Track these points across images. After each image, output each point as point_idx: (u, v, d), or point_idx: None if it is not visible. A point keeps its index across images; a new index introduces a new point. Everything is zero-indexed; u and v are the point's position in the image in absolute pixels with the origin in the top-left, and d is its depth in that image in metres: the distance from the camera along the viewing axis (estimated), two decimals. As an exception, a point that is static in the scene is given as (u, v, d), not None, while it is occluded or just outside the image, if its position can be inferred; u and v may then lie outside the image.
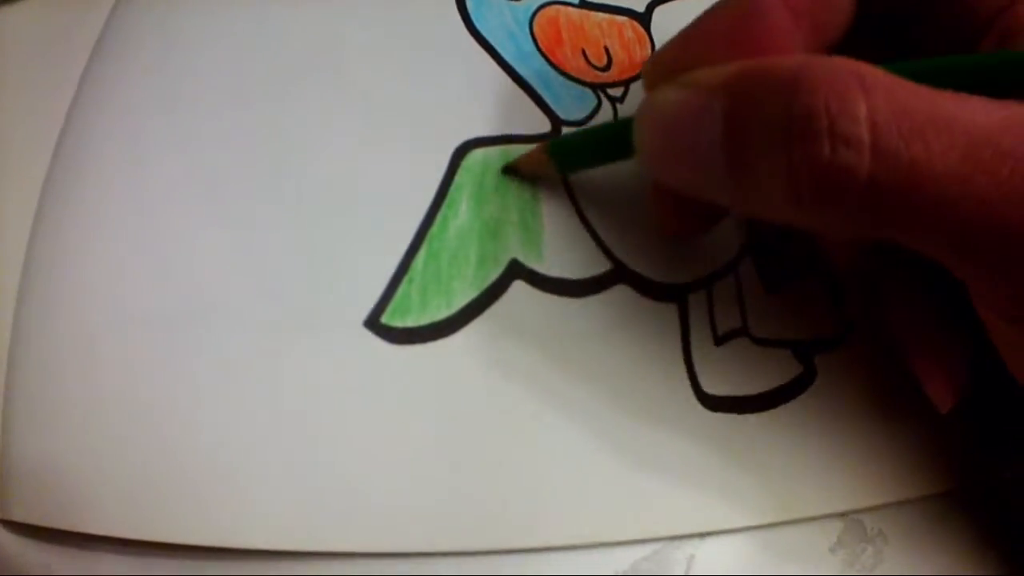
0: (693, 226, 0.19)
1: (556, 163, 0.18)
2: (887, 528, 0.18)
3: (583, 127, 0.18)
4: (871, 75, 0.12)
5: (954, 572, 0.18)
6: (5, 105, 0.20)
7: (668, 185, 0.16)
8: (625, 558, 0.17)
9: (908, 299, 0.17)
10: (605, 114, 0.20)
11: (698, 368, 0.18)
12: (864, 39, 0.16)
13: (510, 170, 0.19)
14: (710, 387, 0.18)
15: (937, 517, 0.18)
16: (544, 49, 0.21)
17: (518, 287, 0.18)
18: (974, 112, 0.12)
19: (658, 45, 0.21)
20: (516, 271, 0.18)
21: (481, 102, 0.20)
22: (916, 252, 0.13)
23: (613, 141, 0.17)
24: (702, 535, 0.17)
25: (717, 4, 0.16)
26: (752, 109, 0.13)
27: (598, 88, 0.20)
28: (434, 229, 0.18)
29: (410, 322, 0.17)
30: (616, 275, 0.18)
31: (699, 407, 0.18)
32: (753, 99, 0.13)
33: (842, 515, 0.18)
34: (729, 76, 0.13)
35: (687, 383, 0.18)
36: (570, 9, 0.22)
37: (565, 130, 0.20)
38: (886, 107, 0.12)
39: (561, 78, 0.20)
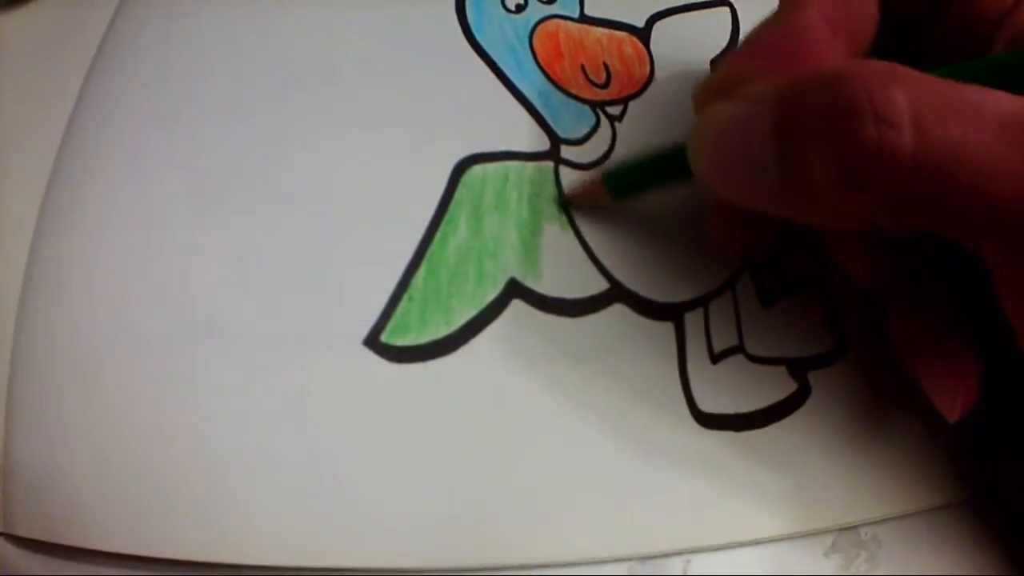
0: (751, 247, 0.19)
1: (611, 191, 0.19)
2: (881, 533, 0.18)
3: (636, 154, 0.18)
4: (904, 70, 0.13)
5: (949, 574, 0.18)
6: (5, 112, 0.20)
7: (724, 198, 0.16)
8: (623, 562, 0.17)
9: (916, 310, 0.17)
10: (604, 133, 0.20)
11: (694, 386, 0.18)
12: (880, 52, 0.16)
13: (566, 204, 0.19)
14: (705, 405, 0.18)
15: (931, 521, 0.18)
16: (543, 63, 0.21)
17: (516, 306, 0.18)
18: (998, 98, 0.12)
19: (657, 61, 0.21)
20: (514, 290, 0.18)
21: (481, 117, 0.20)
22: (927, 249, 0.13)
23: (668, 162, 0.17)
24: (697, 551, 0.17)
25: (760, 24, 0.16)
26: (798, 108, 0.14)
27: (597, 106, 0.21)
28: (434, 246, 0.18)
29: (409, 340, 0.17)
30: (613, 295, 0.19)
31: (695, 425, 0.18)
32: (798, 99, 0.14)
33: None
34: (775, 85, 0.14)
35: (683, 401, 0.18)
36: (570, 24, 0.22)
37: (564, 148, 0.20)
38: (922, 93, 0.12)
39: (560, 95, 0.20)
